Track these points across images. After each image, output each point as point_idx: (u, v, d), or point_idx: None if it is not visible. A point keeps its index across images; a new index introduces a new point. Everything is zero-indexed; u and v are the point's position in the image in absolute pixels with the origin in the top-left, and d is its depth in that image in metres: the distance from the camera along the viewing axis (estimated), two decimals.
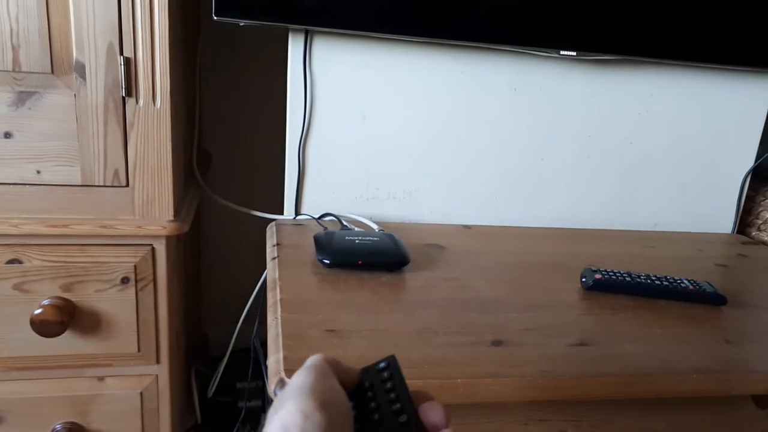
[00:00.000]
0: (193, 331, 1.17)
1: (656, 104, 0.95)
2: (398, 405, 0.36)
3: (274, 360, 0.50)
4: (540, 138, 0.92)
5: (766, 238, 1.01)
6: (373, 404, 0.37)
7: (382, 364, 0.39)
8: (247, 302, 0.93)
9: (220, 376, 1.09)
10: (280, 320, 0.56)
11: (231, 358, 1.06)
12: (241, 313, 0.95)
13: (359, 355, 0.51)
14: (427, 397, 0.37)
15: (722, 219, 1.03)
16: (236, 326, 0.98)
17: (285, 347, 0.52)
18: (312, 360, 0.37)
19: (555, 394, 0.50)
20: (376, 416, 0.36)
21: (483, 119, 0.90)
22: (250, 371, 1.02)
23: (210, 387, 1.09)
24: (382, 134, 0.88)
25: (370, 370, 0.39)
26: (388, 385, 0.37)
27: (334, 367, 0.37)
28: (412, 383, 0.47)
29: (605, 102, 0.93)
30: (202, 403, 1.09)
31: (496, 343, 0.56)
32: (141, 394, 0.83)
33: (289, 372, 0.48)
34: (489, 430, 0.53)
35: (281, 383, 0.47)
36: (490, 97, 0.89)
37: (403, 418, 0.35)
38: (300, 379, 0.35)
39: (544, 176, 0.94)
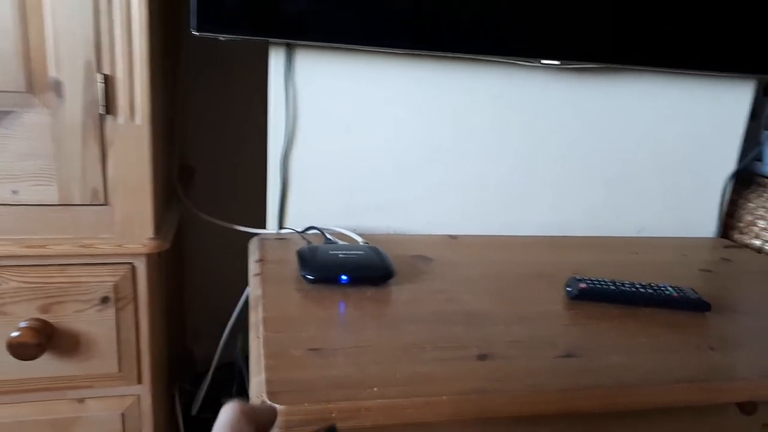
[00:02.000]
0: (177, 348, 1.15)
1: (639, 111, 0.95)
2: None
3: (257, 382, 0.49)
4: (524, 147, 0.93)
5: (748, 241, 1.02)
6: None
7: None
8: (231, 315, 0.92)
9: (205, 392, 1.07)
10: (262, 340, 0.55)
11: (216, 373, 1.05)
12: (225, 328, 0.94)
13: (343, 374, 0.50)
14: None
15: (706, 223, 1.04)
16: (220, 341, 0.97)
17: (267, 368, 0.51)
18: (226, 416, 0.35)
19: (542, 408, 0.50)
20: None
21: (467, 129, 0.90)
22: (234, 388, 1.01)
23: (194, 404, 1.07)
24: (365, 145, 0.87)
25: None
26: None
27: (249, 417, 0.35)
28: (398, 402, 0.46)
29: (589, 110, 0.93)
30: (186, 421, 1.07)
31: (482, 357, 0.55)
32: (123, 415, 0.82)
33: (272, 395, 0.47)
34: None
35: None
36: (474, 107, 0.89)
37: None
38: None
39: (529, 185, 0.94)
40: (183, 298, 1.26)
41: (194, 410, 1.07)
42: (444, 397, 0.48)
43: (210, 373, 1.04)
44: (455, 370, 0.53)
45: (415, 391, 0.48)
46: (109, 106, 0.71)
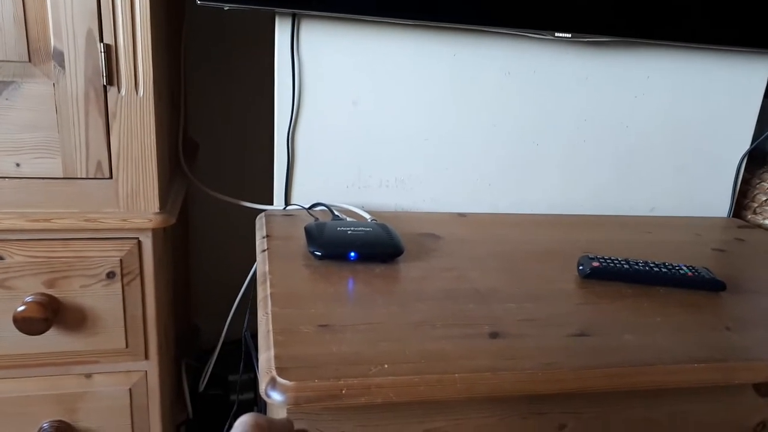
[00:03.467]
0: (183, 324, 1.15)
1: (652, 87, 0.93)
2: None
3: (265, 358, 0.48)
4: (534, 122, 0.91)
5: (761, 221, 1.00)
6: None
7: None
8: (238, 292, 0.91)
9: (211, 369, 1.07)
10: (270, 315, 0.54)
11: (222, 350, 1.05)
12: (232, 304, 0.93)
13: (354, 351, 0.49)
14: None
15: (718, 202, 1.02)
16: (227, 318, 0.96)
17: (276, 344, 0.50)
18: (242, 428, 0.34)
19: (556, 387, 0.49)
20: None
21: (476, 103, 0.88)
22: (241, 364, 1.01)
23: (201, 381, 1.07)
24: (373, 120, 0.85)
25: None
26: None
27: (264, 430, 0.34)
28: (409, 379, 0.45)
29: (600, 85, 0.91)
30: (193, 397, 1.07)
31: (494, 335, 0.54)
32: (130, 390, 0.82)
33: (281, 370, 0.46)
34: (488, 425, 0.52)
35: (273, 382, 0.45)
36: (483, 80, 0.87)
37: None
38: None
39: (538, 161, 0.93)
40: (189, 274, 1.26)
41: (201, 387, 1.07)
42: (456, 375, 0.47)
43: (217, 350, 1.04)
44: (467, 348, 0.52)
45: (426, 369, 0.48)
46: (112, 77, 0.70)
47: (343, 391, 0.45)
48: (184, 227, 1.16)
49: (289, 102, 0.82)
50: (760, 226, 0.99)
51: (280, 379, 0.45)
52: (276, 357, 0.48)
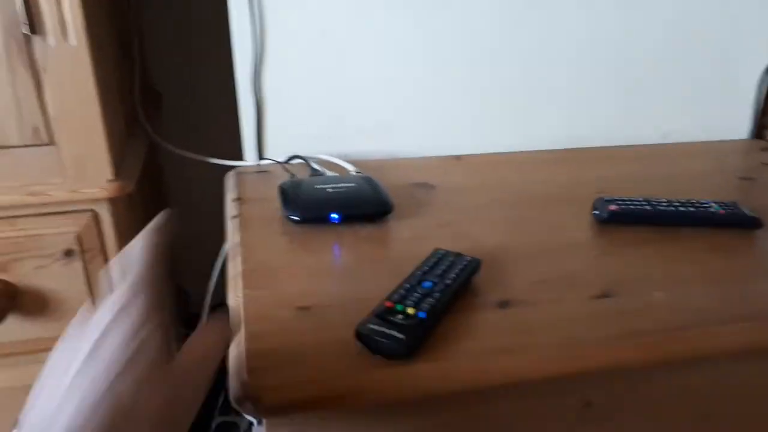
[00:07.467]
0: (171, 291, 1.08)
1: None
2: None
3: (236, 355, 0.41)
4: (532, 46, 0.80)
5: None
6: None
7: None
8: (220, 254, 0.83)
9: None
10: (242, 299, 0.47)
11: (211, 314, 0.98)
12: (216, 268, 0.85)
13: (341, 338, 0.42)
14: None
15: (736, 123, 0.92)
16: (210, 282, 0.89)
17: (248, 337, 0.42)
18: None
19: (580, 365, 0.41)
20: None
21: (465, 27, 0.76)
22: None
23: None
24: (347, 54, 0.74)
25: None
26: None
27: None
28: (411, 372, 0.38)
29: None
30: None
31: (503, 305, 0.47)
32: None
33: (254, 372, 0.39)
34: (499, 414, 0.45)
35: (245, 389, 0.38)
36: (474, 1, 0.75)
37: None
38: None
39: (538, 91, 0.82)
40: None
41: None
42: (463, 362, 0.40)
43: (203, 318, 0.97)
44: (473, 325, 0.44)
45: (430, 357, 0.40)
46: (34, 24, 0.58)
47: (332, 395, 0.38)
48: (157, 187, 1.07)
49: (250, 40, 0.71)
50: None
51: (252, 384, 0.38)
52: (248, 351, 0.40)
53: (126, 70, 0.81)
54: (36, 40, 0.59)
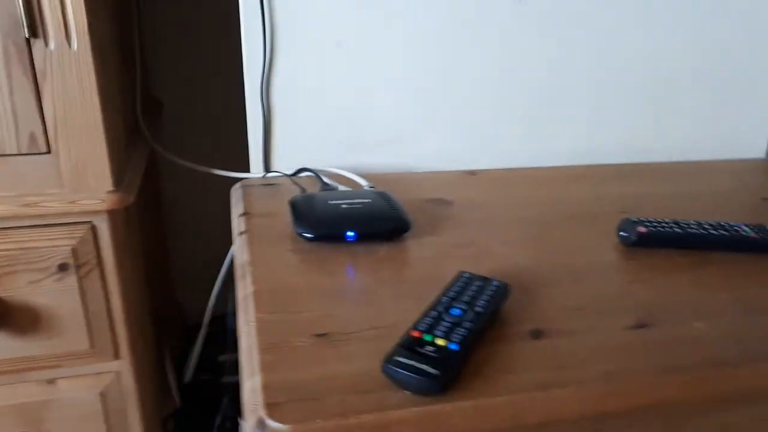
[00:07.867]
0: (164, 305, 1.04)
1: (684, 6, 0.79)
2: None
3: (250, 388, 0.37)
4: (551, 58, 0.77)
5: None
6: None
7: None
8: (220, 264, 0.79)
9: (198, 352, 0.97)
10: (254, 325, 0.43)
11: (209, 327, 0.94)
12: (216, 278, 0.81)
13: (363, 369, 0.38)
14: None
15: (755, 141, 0.90)
16: (211, 292, 0.85)
17: (264, 367, 0.39)
18: None
19: (625, 402, 0.38)
20: None
21: (482, 39, 0.74)
22: (228, 344, 0.90)
23: (187, 367, 0.97)
24: (361, 65, 0.71)
25: None
26: None
27: None
28: (439, 409, 0.34)
29: (625, 9, 0.77)
30: (181, 384, 0.97)
31: (536, 335, 0.43)
32: (101, 394, 0.71)
33: (272, 408, 0.35)
34: None
35: (261, 426, 0.34)
36: (491, 11, 0.73)
37: None
38: None
39: (557, 104, 0.80)
40: (166, 249, 1.14)
41: (188, 375, 0.97)
42: (498, 398, 0.37)
43: (201, 333, 0.93)
44: (505, 357, 0.41)
45: (456, 396, 0.37)
46: (36, 27, 0.55)
47: None
48: (155, 198, 1.03)
49: (260, 46, 0.68)
50: None
51: (271, 423, 0.34)
52: (264, 388, 0.37)
53: (127, 77, 0.78)
54: (36, 44, 0.56)
